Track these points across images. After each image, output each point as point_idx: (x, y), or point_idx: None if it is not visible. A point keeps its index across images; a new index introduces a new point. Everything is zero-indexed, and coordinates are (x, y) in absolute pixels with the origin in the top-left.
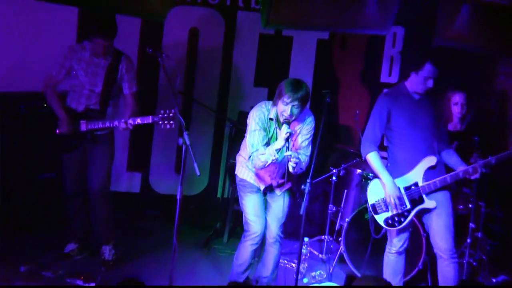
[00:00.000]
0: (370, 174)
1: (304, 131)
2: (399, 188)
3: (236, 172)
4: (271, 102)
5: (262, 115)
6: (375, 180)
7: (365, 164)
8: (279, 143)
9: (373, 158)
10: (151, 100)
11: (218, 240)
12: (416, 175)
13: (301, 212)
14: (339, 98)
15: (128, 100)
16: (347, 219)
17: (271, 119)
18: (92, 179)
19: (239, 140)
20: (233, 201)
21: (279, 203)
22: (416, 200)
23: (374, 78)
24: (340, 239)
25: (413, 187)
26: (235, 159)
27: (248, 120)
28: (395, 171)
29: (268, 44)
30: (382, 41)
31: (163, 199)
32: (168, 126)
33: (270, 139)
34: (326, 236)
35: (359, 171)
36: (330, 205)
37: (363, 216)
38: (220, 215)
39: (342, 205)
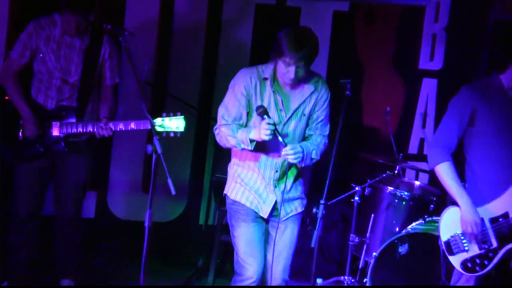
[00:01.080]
0: (406, 193)
1: (319, 102)
2: (482, 220)
3: (226, 192)
4: (268, 64)
5: (250, 79)
6: (452, 209)
7: (398, 180)
8: (256, 135)
9: (445, 171)
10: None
11: (201, 281)
12: (506, 203)
13: (313, 244)
14: (363, 90)
15: (107, 94)
16: (374, 254)
17: (265, 78)
18: (64, 200)
19: None
20: (221, 229)
21: (286, 235)
22: (506, 236)
23: (410, 63)
24: (365, 280)
25: (501, 219)
26: (223, 173)
27: (229, 86)
28: (477, 195)
29: (268, 18)
30: (420, 15)
31: (126, 227)
32: (172, 135)
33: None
34: (346, 277)
35: (390, 189)
36: (351, 235)
37: (396, 250)
38: (204, 249)
39: (367, 235)
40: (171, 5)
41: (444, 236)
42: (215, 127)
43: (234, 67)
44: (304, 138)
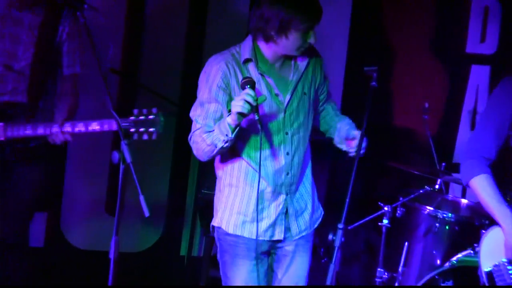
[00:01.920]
0: (450, 215)
1: (317, 72)
2: None
3: (216, 223)
4: (242, 43)
5: (227, 66)
6: (495, 230)
7: (440, 198)
8: (232, 108)
9: (482, 185)
10: None
11: None
12: None
13: (328, 281)
14: (393, 81)
15: (66, 87)
16: None
17: (247, 60)
18: (7, 222)
19: None
20: (208, 262)
21: (293, 270)
22: None
23: (455, 46)
24: None
25: None
26: (211, 188)
27: (199, 81)
28: None
29: None
30: None
31: (86, 259)
32: (145, 137)
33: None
34: None
35: (429, 209)
36: (378, 269)
37: None
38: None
39: (400, 270)
40: None
41: (486, 265)
42: (189, 136)
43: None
44: (309, 127)
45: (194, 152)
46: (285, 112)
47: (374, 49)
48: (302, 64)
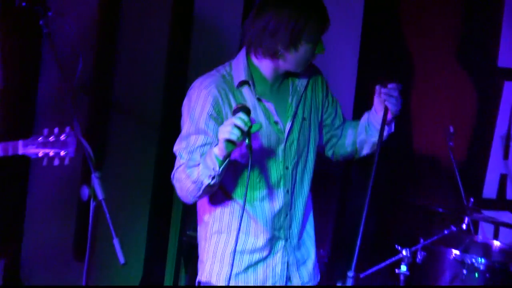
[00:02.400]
0: (480, 260)
1: (317, 92)
2: None
3: (204, 278)
4: (233, 62)
5: (218, 91)
6: None
7: (468, 239)
8: (220, 135)
9: None
10: (23, 106)
11: None
12: None
13: None
14: (412, 99)
15: None
16: None
17: (242, 82)
18: None
19: None
20: None
21: None
22: None
23: (485, 59)
24: None
25: None
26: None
27: (182, 109)
28: None
29: None
30: None
31: None
32: (56, 162)
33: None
34: None
35: (456, 253)
36: None
37: None
38: None
39: None
40: None
41: None
42: (171, 174)
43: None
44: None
45: (178, 192)
46: (285, 143)
47: (389, 61)
48: (300, 83)
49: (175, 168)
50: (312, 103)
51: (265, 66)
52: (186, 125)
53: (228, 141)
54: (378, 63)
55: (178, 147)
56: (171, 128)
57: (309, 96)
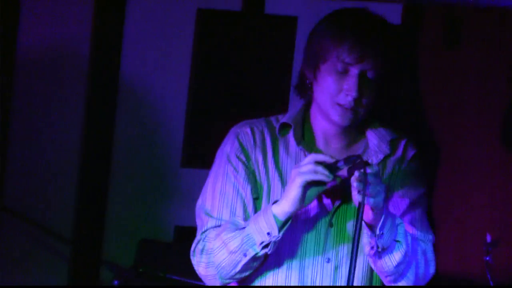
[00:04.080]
0: None
1: (404, 175)
2: None
3: None
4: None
5: (250, 131)
6: None
7: None
8: (291, 199)
9: None
10: None
11: None
12: None
13: None
14: (433, 194)
15: None
16: None
17: (284, 125)
18: None
19: None
20: None
21: None
22: None
23: None
24: None
25: None
26: None
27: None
28: None
29: (226, 36)
30: None
31: None
32: None
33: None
34: None
35: None
36: None
37: None
38: None
39: None
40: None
41: None
42: (194, 244)
43: (151, 147)
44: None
45: (202, 272)
46: (328, 231)
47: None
48: (376, 153)
49: (199, 233)
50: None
51: (315, 116)
52: (211, 178)
53: (310, 184)
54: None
55: (203, 208)
56: (84, 245)
57: (385, 176)
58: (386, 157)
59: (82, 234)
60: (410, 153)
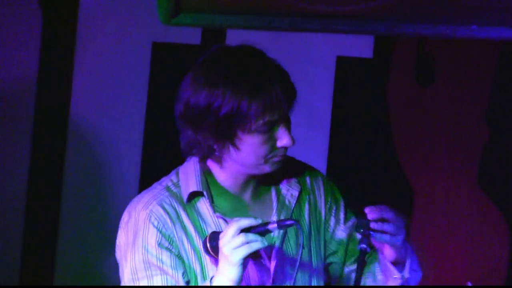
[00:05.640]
0: None
1: (323, 206)
2: None
3: None
4: (180, 168)
5: (164, 210)
6: None
7: None
8: (232, 280)
9: None
10: None
11: None
12: None
13: None
14: (413, 234)
15: None
16: None
17: (194, 194)
18: None
19: None
20: None
21: None
22: None
23: None
24: None
25: None
26: None
27: (117, 242)
28: None
29: (185, 71)
30: None
31: None
32: None
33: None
34: None
35: None
36: None
37: None
38: None
39: None
40: None
41: None
42: None
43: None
44: None
45: None
46: (273, 282)
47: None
48: (289, 193)
49: None
50: (311, 222)
51: (218, 171)
52: (128, 267)
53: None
54: (351, 170)
55: None
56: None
57: (306, 212)
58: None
59: (30, 278)
60: (321, 188)
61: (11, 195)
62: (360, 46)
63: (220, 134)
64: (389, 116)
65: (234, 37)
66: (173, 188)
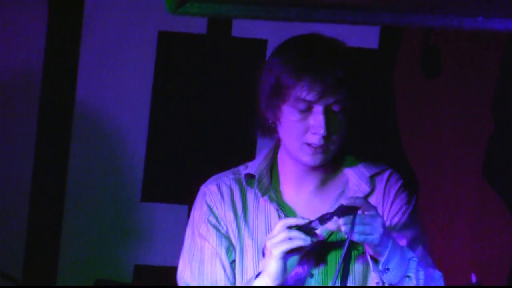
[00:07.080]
0: None
1: (393, 215)
2: None
3: None
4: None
5: (217, 189)
6: None
7: None
8: (272, 274)
9: None
10: None
11: None
12: None
13: None
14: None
15: None
16: None
17: (248, 176)
18: None
19: None
20: None
21: None
22: None
23: None
24: None
25: None
26: None
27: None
28: None
29: (190, 60)
30: None
31: None
32: None
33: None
34: None
35: None
36: None
37: None
38: None
39: None
40: None
41: None
42: None
43: (108, 178)
44: None
45: None
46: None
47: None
48: (336, 189)
49: None
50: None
51: (281, 159)
52: (186, 250)
53: (289, 253)
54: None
55: (182, 277)
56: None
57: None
58: (366, 196)
59: (33, 274)
60: (394, 188)
61: (15, 192)
62: (366, 37)
63: (268, 103)
64: (395, 107)
65: (240, 27)
66: (241, 170)
